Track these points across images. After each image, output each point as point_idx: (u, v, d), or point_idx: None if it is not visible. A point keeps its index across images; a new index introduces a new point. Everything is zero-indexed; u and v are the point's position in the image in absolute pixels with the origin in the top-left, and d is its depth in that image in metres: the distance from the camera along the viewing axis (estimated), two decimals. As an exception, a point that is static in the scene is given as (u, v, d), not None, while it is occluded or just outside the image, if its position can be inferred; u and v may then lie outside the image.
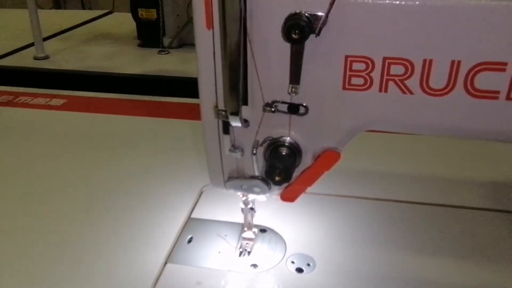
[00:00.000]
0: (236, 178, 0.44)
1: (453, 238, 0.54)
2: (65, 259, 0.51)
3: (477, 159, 0.71)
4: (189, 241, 0.54)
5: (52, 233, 0.55)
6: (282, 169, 0.39)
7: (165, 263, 0.50)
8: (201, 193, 0.62)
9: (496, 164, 0.69)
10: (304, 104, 0.38)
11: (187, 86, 0.93)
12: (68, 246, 0.53)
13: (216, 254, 0.52)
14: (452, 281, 0.48)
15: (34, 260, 0.51)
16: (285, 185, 0.43)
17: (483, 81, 0.34)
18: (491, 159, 0.71)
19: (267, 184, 0.43)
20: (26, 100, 0.92)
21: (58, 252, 0.52)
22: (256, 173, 0.42)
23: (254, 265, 0.50)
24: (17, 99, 0.93)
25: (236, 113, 0.37)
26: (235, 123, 0.38)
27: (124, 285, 0.48)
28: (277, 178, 0.40)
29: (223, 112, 0.38)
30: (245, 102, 0.39)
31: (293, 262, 0.50)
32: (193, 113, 0.85)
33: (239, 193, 0.48)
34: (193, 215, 0.58)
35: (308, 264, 0.50)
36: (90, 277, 0.49)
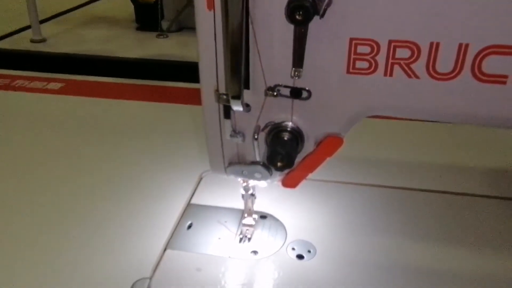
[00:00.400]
0: (237, 164, 0.43)
1: (454, 225, 0.53)
2: (65, 246, 0.51)
3: (479, 146, 0.70)
4: (189, 227, 0.53)
5: (49, 221, 0.55)
6: (284, 154, 0.39)
7: (165, 249, 0.50)
8: (200, 179, 0.62)
9: (498, 150, 0.69)
10: (307, 88, 0.37)
11: (187, 71, 0.92)
12: (68, 233, 0.53)
13: (216, 240, 0.51)
14: (452, 268, 0.48)
15: (34, 246, 0.51)
16: (286, 171, 0.42)
17: (491, 65, 0.33)
18: (493, 145, 0.70)
19: (268, 170, 0.42)
20: (23, 83, 0.91)
21: (57, 240, 0.52)
22: (257, 159, 0.41)
23: (255, 252, 0.50)
24: (14, 82, 0.91)
25: (237, 97, 0.36)
26: (237, 107, 0.37)
27: (123, 271, 0.47)
28: (279, 164, 0.39)
29: (224, 96, 0.37)
30: (247, 86, 0.38)
31: (293, 249, 0.50)
32: (193, 98, 0.84)
33: (240, 179, 0.47)
34: (193, 201, 0.58)
35: (309, 251, 0.50)
36: (90, 263, 0.48)
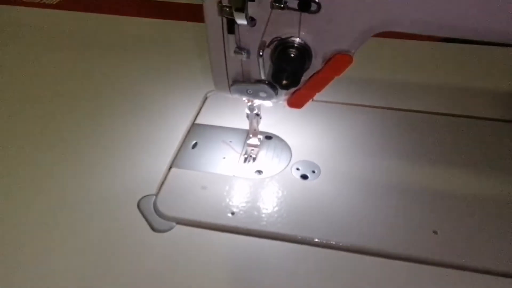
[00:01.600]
0: (241, 82, 0.42)
1: (458, 147, 0.53)
2: (73, 165, 0.51)
3: (489, 68, 0.68)
4: (194, 146, 0.53)
5: (51, 139, 0.55)
6: (290, 72, 0.37)
7: (170, 167, 0.50)
8: (205, 99, 0.61)
9: (509, 72, 0.66)
10: (317, 0, 0.35)
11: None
12: (75, 152, 0.53)
13: (221, 159, 0.51)
14: (458, 190, 0.48)
15: (41, 165, 0.51)
16: (292, 90, 0.41)
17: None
18: (503, 67, 0.67)
19: (274, 89, 0.41)
20: (19, -2, 0.87)
21: (65, 159, 0.52)
22: (262, 77, 0.40)
23: (259, 171, 0.50)
24: (10, -4, 0.87)
25: (241, 9, 0.34)
26: (241, 20, 0.35)
27: (130, 188, 0.48)
28: (284, 82, 0.38)
29: (227, 9, 0.35)
30: (252, -3, 0.35)
31: (298, 169, 0.50)
32: (196, 14, 0.80)
33: (245, 98, 0.46)
34: (198, 121, 0.57)
35: (313, 171, 0.50)
36: (98, 181, 0.49)
